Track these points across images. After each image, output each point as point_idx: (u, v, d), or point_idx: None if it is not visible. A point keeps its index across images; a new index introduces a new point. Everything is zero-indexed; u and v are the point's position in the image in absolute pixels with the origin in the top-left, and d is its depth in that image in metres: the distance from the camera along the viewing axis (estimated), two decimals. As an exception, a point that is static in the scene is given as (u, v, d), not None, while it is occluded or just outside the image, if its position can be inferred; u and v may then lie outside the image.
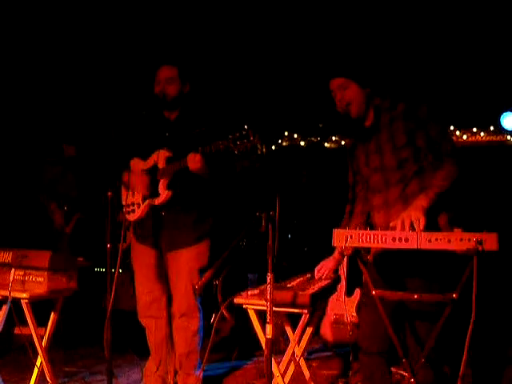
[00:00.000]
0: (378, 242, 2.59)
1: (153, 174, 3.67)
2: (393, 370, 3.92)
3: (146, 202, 3.66)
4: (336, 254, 3.41)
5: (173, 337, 3.78)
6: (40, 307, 3.55)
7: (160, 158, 3.64)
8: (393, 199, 2.95)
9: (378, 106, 3.03)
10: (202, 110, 3.84)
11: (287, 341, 3.85)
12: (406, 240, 2.54)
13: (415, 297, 2.69)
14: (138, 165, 3.76)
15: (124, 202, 3.75)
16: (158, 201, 3.64)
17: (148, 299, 3.78)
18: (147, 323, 3.82)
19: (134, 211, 3.70)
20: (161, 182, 3.63)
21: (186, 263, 3.67)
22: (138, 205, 3.69)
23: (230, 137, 3.28)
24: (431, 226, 2.73)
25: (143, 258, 3.79)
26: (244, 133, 3.26)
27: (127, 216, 3.71)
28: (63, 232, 5.82)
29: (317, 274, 3.48)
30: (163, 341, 3.80)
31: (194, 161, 3.43)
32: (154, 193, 3.65)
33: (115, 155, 3.77)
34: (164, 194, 3.62)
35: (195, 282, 3.62)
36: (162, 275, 3.78)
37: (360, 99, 3.01)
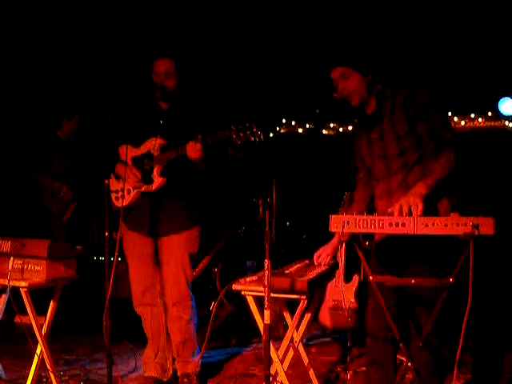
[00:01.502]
0: (374, 228, 2.60)
1: (145, 160, 3.68)
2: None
3: (137, 189, 3.68)
4: (335, 240, 3.42)
5: (167, 326, 3.80)
6: (40, 296, 3.56)
7: (155, 145, 3.65)
8: (395, 187, 2.98)
9: (380, 93, 3.03)
10: (196, 99, 3.84)
11: (286, 327, 3.87)
12: (403, 225, 2.55)
13: (412, 282, 2.71)
14: (129, 151, 3.70)
15: (113, 188, 3.75)
16: (151, 187, 3.66)
17: (142, 287, 3.80)
18: (142, 311, 3.84)
19: (123, 197, 3.68)
20: (155, 169, 3.65)
21: (177, 249, 3.70)
22: (128, 191, 3.70)
23: (233, 128, 3.30)
24: (431, 212, 2.74)
25: (135, 246, 3.80)
26: (247, 125, 3.28)
27: (115, 202, 3.72)
28: (61, 220, 5.82)
29: (315, 260, 3.49)
30: (160, 328, 3.83)
31: (194, 149, 3.45)
32: (148, 180, 3.67)
33: (111, 142, 3.77)
34: (158, 180, 3.64)
35: (186, 267, 3.67)
36: (155, 263, 3.80)
37: (362, 88, 3.02)
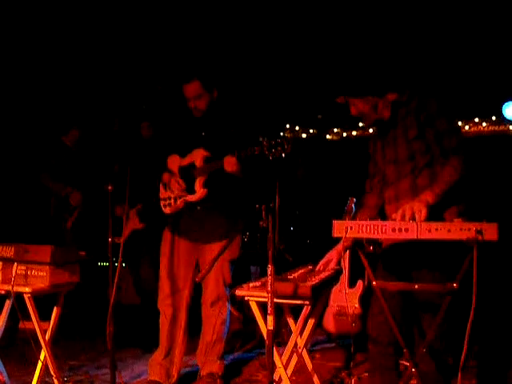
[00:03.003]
0: (377, 233, 2.59)
1: (189, 171, 3.84)
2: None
3: (182, 198, 3.84)
4: (340, 245, 3.39)
5: (202, 324, 3.90)
6: (44, 301, 3.57)
7: (198, 156, 3.80)
8: (403, 191, 2.99)
9: (395, 101, 3.05)
10: (230, 109, 3.99)
11: (290, 332, 3.86)
12: (406, 230, 2.54)
13: (416, 287, 2.70)
14: (175, 162, 3.92)
15: (161, 196, 3.95)
16: (194, 197, 3.81)
17: (173, 289, 3.89)
18: (166, 311, 3.90)
19: (170, 205, 3.90)
20: (197, 180, 3.80)
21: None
22: (175, 199, 3.88)
23: (265, 144, 3.41)
24: (438, 220, 2.73)
25: (174, 249, 3.92)
26: (279, 141, 3.40)
27: (163, 209, 3.93)
28: (66, 226, 5.82)
29: (321, 267, 3.46)
30: (177, 331, 3.89)
31: (229, 164, 3.62)
32: (191, 190, 3.81)
33: (157, 152, 3.98)
34: (200, 191, 3.79)
35: (225, 271, 3.84)
36: (189, 267, 3.91)
37: (366, 110, 3.06)
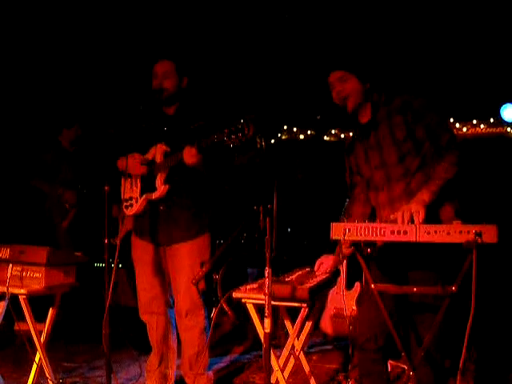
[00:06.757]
0: (376, 235, 2.57)
1: (150, 168, 3.63)
2: (393, 363, 3.92)
3: (144, 196, 3.63)
4: (336, 254, 3.36)
5: (180, 337, 3.74)
6: (39, 303, 3.54)
7: (158, 152, 3.61)
8: (397, 195, 2.93)
9: (375, 102, 3.01)
10: (200, 104, 3.79)
11: (287, 335, 3.85)
12: (405, 233, 2.53)
13: (414, 290, 2.68)
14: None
15: (123, 197, 3.70)
16: (155, 195, 3.60)
17: (149, 296, 3.73)
18: (149, 320, 3.78)
19: (132, 206, 3.67)
20: (158, 177, 3.59)
21: (186, 258, 3.62)
22: (136, 199, 3.66)
23: (226, 130, 3.21)
24: (434, 219, 2.71)
25: (143, 253, 3.74)
26: (239, 126, 3.18)
27: (125, 210, 3.68)
28: (61, 227, 5.80)
29: (316, 268, 3.45)
30: (165, 337, 3.77)
31: (189, 155, 3.38)
32: (152, 187, 3.62)
33: (114, 151, 3.74)
34: (161, 188, 3.58)
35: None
36: (163, 271, 3.74)
37: (358, 93, 2.99)
